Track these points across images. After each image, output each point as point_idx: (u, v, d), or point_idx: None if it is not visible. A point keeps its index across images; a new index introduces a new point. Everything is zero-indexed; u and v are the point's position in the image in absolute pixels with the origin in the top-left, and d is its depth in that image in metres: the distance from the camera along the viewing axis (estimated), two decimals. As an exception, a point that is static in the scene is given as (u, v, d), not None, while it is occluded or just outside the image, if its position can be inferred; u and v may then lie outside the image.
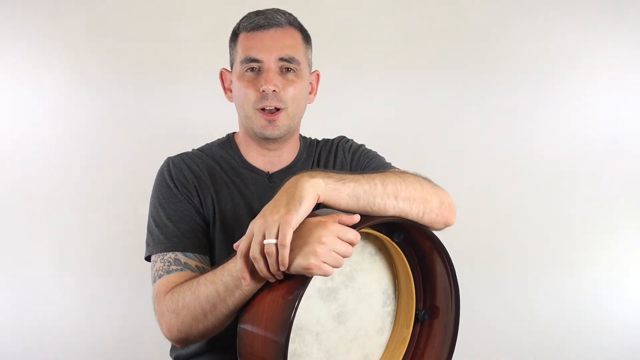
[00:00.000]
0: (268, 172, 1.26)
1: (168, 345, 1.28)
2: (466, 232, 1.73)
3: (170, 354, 1.28)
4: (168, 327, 1.03)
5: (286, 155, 1.28)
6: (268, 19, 1.19)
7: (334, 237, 0.84)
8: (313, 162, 1.31)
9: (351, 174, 0.94)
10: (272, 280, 0.88)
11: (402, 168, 1.08)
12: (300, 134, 1.34)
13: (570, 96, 1.98)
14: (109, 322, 1.92)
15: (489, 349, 1.97)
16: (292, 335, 0.83)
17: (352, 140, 1.35)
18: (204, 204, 1.20)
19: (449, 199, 1.01)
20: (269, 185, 1.25)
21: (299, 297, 0.82)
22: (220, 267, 0.97)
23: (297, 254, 0.83)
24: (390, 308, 1.03)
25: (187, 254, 1.13)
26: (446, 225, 1.01)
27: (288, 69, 1.20)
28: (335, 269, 0.84)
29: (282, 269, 0.84)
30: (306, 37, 1.25)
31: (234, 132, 1.33)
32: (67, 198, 1.91)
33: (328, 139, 1.36)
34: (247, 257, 0.87)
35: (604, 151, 1.97)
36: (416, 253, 1.00)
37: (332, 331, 0.94)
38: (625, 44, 1.97)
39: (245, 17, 1.23)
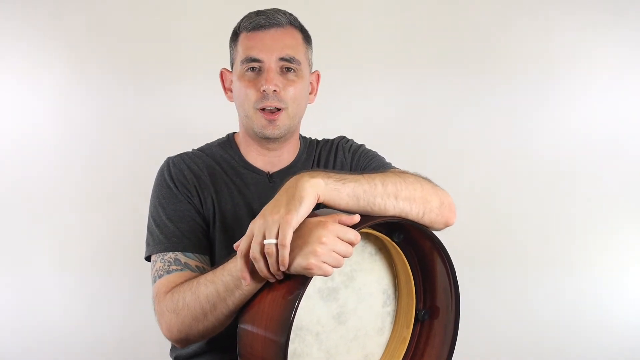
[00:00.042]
0: (268, 172, 1.26)
1: (168, 345, 1.28)
2: (466, 232, 1.73)
3: (170, 354, 1.28)
4: (168, 327, 1.03)
5: (286, 155, 1.28)
6: (269, 18, 1.19)
7: (334, 237, 0.84)
8: (313, 162, 1.31)
9: (351, 174, 0.94)
10: (272, 280, 0.88)
11: (402, 168, 1.08)
12: (300, 134, 1.34)
13: (570, 96, 1.98)
14: (109, 322, 1.92)
15: (489, 349, 1.97)
16: (292, 335, 0.83)
17: (352, 140, 1.35)
18: (204, 204, 1.20)
19: (449, 199, 1.01)
20: (269, 185, 1.25)
21: (299, 297, 0.82)
22: (220, 267, 0.97)
23: (297, 254, 0.83)
24: (390, 308, 1.03)
25: (187, 254, 1.13)
26: (446, 225, 1.01)
27: (289, 69, 1.20)
28: (335, 269, 0.84)
29: (282, 269, 0.84)
30: (307, 37, 1.26)
31: (234, 132, 1.33)
32: (67, 198, 1.91)
33: (328, 139, 1.36)
34: (247, 257, 0.87)
35: (604, 151, 1.97)
36: (416, 253, 1.00)
37: (332, 331, 0.94)
38: (625, 44, 1.97)
39: (245, 17, 1.23)
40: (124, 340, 1.92)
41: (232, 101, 1.27)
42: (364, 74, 1.97)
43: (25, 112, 1.90)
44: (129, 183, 1.89)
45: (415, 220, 0.95)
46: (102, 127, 1.91)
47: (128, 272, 1.89)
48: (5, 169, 1.89)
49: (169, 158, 1.25)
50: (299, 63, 1.20)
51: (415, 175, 1.00)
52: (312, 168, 1.29)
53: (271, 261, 0.84)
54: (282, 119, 1.20)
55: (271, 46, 1.18)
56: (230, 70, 1.28)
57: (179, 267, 1.10)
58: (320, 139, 1.38)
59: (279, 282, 0.87)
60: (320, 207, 0.91)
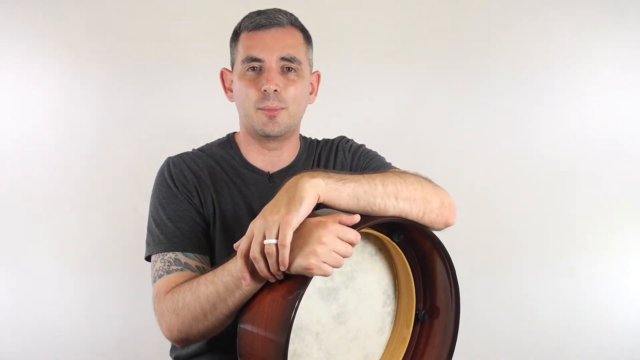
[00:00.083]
0: (268, 172, 1.26)
1: (168, 345, 1.28)
2: (466, 232, 1.73)
3: (170, 354, 1.28)
4: (168, 327, 1.03)
5: (286, 155, 1.28)
6: (270, 18, 1.19)
7: (334, 237, 0.84)
8: (313, 162, 1.31)
9: (351, 174, 0.94)
10: (272, 280, 0.88)
11: (402, 168, 1.08)
12: (300, 134, 1.34)
13: (570, 96, 1.98)
14: (109, 322, 1.92)
15: (489, 349, 1.97)
16: (292, 335, 0.83)
17: (352, 140, 1.35)
18: (204, 204, 1.20)
19: (449, 199, 1.01)
20: (269, 185, 1.25)
21: (299, 297, 0.82)
22: (221, 267, 0.97)
23: (298, 254, 0.83)
24: (390, 308, 1.03)
25: (187, 254, 1.13)
26: (446, 225, 1.01)
27: (289, 69, 1.20)
28: (335, 269, 0.85)
29: (282, 269, 0.84)
30: (307, 38, 1.26)
31: (234, 132, 1.33)
32: (67, 198, 1.91)
33: (328, 139, 1.36)
34: (247, 257, 0.87)
35: (604, 151, 1.97)
36: (416, 253, 1.00)
37: (332, 331, 0.94)
38: (625, 44, 1.97)
39: (246, 16, 1.23)
40: (124, 340, 1.92)
41: (232, 101, 1.27)
42: (364, 74, 1.97)
43: (25, 112, 1.90)
44: (129, 183, 1.89)
45: (416, 220, 0.95)
46: (102, 127, 1.91)
47: (128, 272, 1.89)
48: (5, 169, 1.88)
49: (169, 158, 1.25)
50: (299, 63, 1.20)
51: (416, 175, 1.00)
52: (312, 168, 1.29)
53: (271, 261, 0.84)
54: (283, 117, 1.20)
55: (272, 46, 1.18)
56: (230, 70, 1.28)
57: (179, 267, 1.10)
58: (320, 139, 1.38)
59: (279, 282, 0.88)
60: (320, 207, 0.91)
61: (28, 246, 1.90)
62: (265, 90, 1.17)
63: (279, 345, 0.82)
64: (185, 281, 1.05)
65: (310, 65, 1.27)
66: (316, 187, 0.87)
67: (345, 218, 0.86)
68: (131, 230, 1.76)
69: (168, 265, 1.10)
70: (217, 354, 1.18)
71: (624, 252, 1.98)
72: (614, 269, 1.98)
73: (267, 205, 0.88)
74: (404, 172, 1.00)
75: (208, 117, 1.90)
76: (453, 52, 1.97)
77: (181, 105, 1.93)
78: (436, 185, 1.01)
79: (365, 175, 0.94)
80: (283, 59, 1.19)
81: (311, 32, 1.27)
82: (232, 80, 1.26)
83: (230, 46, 1.26)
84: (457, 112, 1.98)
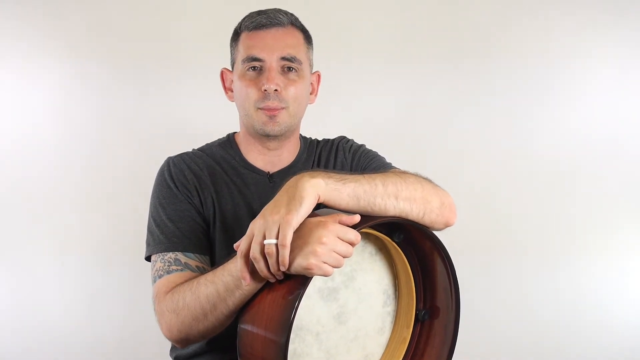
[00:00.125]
0: (268, 172, 1.26)
1: (168, 345, 1.28)
2: (466, 232, 1.73)
3: (170, 354, 1.28)
4: (168, 327, 1.03)
5: (286, 155, 1.28)
6: (270, 18, 1.20)
7: (334, 237, 0.84)
8: (313, 162, 1.31)
9: (352, 174, 0.94)
10: (272, 280, 0.88)
11: (402, 168, 1.08)
12: (300, 134, 1.34)
13: (570, 96, 1.98)
14: (109, 322, 1.92)
15: (489, 349, 1.97)
16: (292, 335, 0.83)
17: (352, 140, 1.35)
18: (204, 204, 1.20)
19: (449, 199, 1.01)
20: (269, 185, 1.25)
21: (299, 297, 0.82)
22: (221, 267, 0.97)
23: (298, 254, 0.83)
24: (390, 308, 1.03)
25: (188, 254, 1.13)
26: (446, 225, 1.01)
27: (290, 69, 1.20)
28: (335, 269, 0.84)
29: (282, 269, 0.84)
30: (307, 38, 1.26)
31: (235, 132, 1.33)
32: (67, 198, 1.91)
33: (328, 139, 1.36)
34: (247, 257, 0.87)
35: (604, 151, 1.97)
36: (416, 253, 1.00)
37: (332, 331, 0.94)
38: (625, 44, 1.97)
39: (247, 16, 1.23)
40: (124, 340, 1.92)
41: (232, 101, 1.27)
42: (364, 74, 1.97)
43: (25, 112, 1.90)
44: (129, 183, 1.89)
45: (416, 220, 0.95)
46: (102, 127, 1.91)
47: (128, 272, 1.89)
48: (5, 169, 1.88)
49: (169, 158, 1.25)
50: (300, 63, 1.20)
51: (416, 175, 1.00)
52: (312, 168, 1.29)
53: (271, 261, 0.84)
54: (283, 116, 1.20)
55: (272, 45, 1.18)
56: (230, 70, 1.28)
57: (179, 267, 1.10)
58: (320, 139, 1.38)
59: (279, 282, 0.87)
60: (320, 207, 0.91)
61: (28, 246, 1.90)
62: (265, 90, 1.17)
63: (279, 345, 0.82)
64: (186, 281, 1.05)
65: (311, 65, 1.27)
66: (316, 187, 0.87)
67: (346, 218, 0.86)
68: (131, 230, 1.76)
69: (168, 265, 1.10)
70: (217, 354, 1.18)
71: (624, 252, 1.98)
72: (614, 269, 1.98)
73: (267, 205, 0.88)
74: (404, 172, 1.00)
75: (208, 117, 1.90)
76: (453, 52, 1.97)
77: (181, 105, 1.93)
78: (436, 186, 1.01)
79: (365, 175, 0.94)
80: (283, 58, 1.19)
81: (311, 32, 1.27)
82: (232, 80, 1.27)
83: (231, 46, 1.26)
84: (457, 112, 1.98)
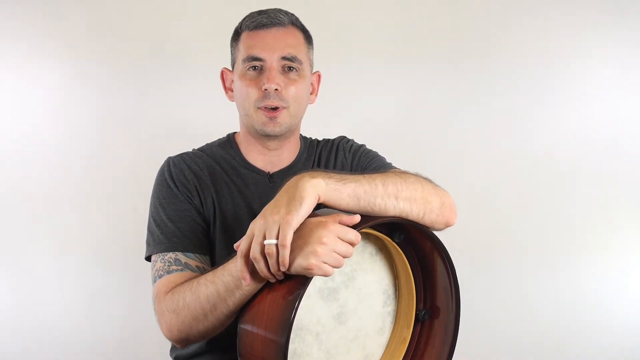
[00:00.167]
0: (268, 172, 1.26)
1: (168, 345, 1.28)
2: (466, 232, 1.73)
3: (170, 354, 1.28)
4: (168, 327, 1.03)
5: (287, 155, 1.28)
6: (271, 18, 1.20)
7: (334, 237, 0.84)
8: (313, 162, 1.31)
9: (352, 174, 0.94)
10: (272, 280, 0.88)
11: (402, 168, 1.08)
12: (300, 134, 1.34)
13: (570, 96, 1.98)
14: (109, 322, 1.92)
15: (489, 349, 1.97)
16: (292, 335, 0.83)
17: (352, 140, 1.35)
18: (205, 204, 1.20)
19: (449, 200, 1.01)
20: (269, 185, 1.25)
21: (299, 297, 0.82)
22: (221, 267, 0.97)
23: (298, 254, 0.83)
24: (390, 308, 1.03)
25: (188, 254, 1.13)
26: (447, 225, 1.01)
27: (290, 68, 1.20)
28: (335, 269, 0.84)
29: (282, 269, 0.84)
30: (308, 38, 1.26)
31: (235, 132, 1.33)
32: (67, 198, 1.91)
33: (329, 139, 1.36)
34: (247, 258, 0.87)
35: (604, 151, 1.97)
36: (416, 253, 1.00)
37: (333, 331, 0.94)
38: (625, 44, 1.97)
39: (247, 16, 1.23)
40: (124, 340, 1.92)
41: (232, 101, 1.27)
42: (364, 73, 1.97)
43: (25, 112, 1.90)
44: (129, 183, 1.89)
45: (416, 220, 0.95)
46: (102, 127, 1.91)
47: (128, 272, 1.89)
48: (5, 169, 1.88)
49: (170, 158, 1.25)
50: (300, 62, 1.20)
51: (416, 175, 1.00)
52: (312, 168, 1.29)
53: (271, 261, 0.84)
54: (283, 117, 1.20)
55: (273, 45, 1.18)
56: (231, 69, 1.28)
57: (179, 267, 1.10)
58: (320, 139, 1.38)
59: (279, 282, 0.87)
60: (320, 208, 0.91)
61: (28, 246, 1.90)
62: (266, 89, 1.17)
63: (279, 345, 0.82)
64: (186, 281, 1.05)
65: (311, 65, 1.27)
66: (316, 187, 0.87)
67: (346, 218, 0.86)
68: (131, 230, 1.76)
69: (168, 265, 1.10)
70: (217, 354, 1.18)
71: (624, 252, 1.99)
72: (614, 269, 1.98)
73: (268, 205, 0.88)
74: (405, 172, 1.00)
75: (208, 117, 1.90)
76: (453, 52, 1.97)
77: (181, 105, 1.93)
78: (436, 186, 1.01)
79: (365, 175, 0.94)
80: (284, 58, 1.19)
81: (311, 32, 1.27)
82: (232, 80, 1.27)
83: (231, 46, 1.26)
84: (457, 112, 1.98)
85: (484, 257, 1.97)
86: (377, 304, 1.01)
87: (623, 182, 1.97)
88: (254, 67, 1.19)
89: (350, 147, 1.32)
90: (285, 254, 0.83)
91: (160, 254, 1.13)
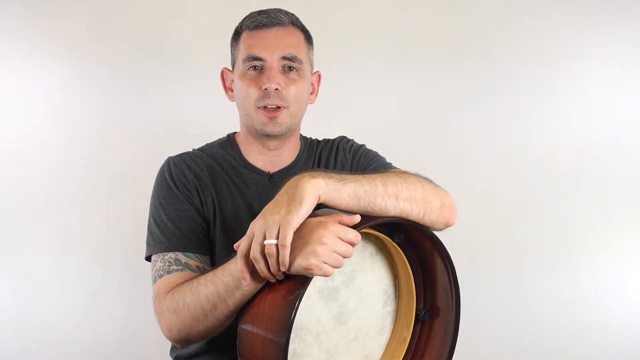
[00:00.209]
0: (269, 172, 1.26)
1: (168, 345, 1.28)
2: (466, 232, 1.73)
3: (170, 354, 1.28)
4: (168, 327, 1.03)
5: (287, 155, 1.28)
6: (271, 17, 1.20)
7: (334, 237, 0.84)
8: (314, 162, 1.31)
9: (352, 174, 0.94)
10: (272, 280, 0.88)
11: (402, 168, 1.08)
12: (300, 134, 1.34)
13: (570, 96, 1.98)
14: (109, 322, 1.92)
15: (489, 349, 1.97)
16: (292, 335, 0.83)
17: (352, 140, 1.35)
18: (205, 204, 1.20)
19: (449, 200, 1.01)
20: (269, 185, 1.25)
21: (299, 297, 0.82)
22: (221, 267, 0.97)
23: (298, 254, 0.83)
24: (390, 308, 1.03)
25: (188, 254, 1.13)
26: (447, 225, 1.01)
27: (290, 68, 1.20)
28: (335, 269, 0.84)
29: (282, 269, 0.84)
30: (308, 38, 1.26)
31: (235, 132, 1.33)
32: (67, 198, 1.91)
33: (329, 139, 1.36)
34: (247, 258, 0.87)
35: (604, 151, 1.97)
36: (417, 253, 1.00)
37: (333, 331, 0.94)
38: (625, 44, 1.97)
39: (248, 16, 1.23)
40: (124, 340, 1.92)
41: (232, 101, 1.27)
42: (364, 73, 1.97)
43: (25, 112, 1.90)
44: (129, 183, 1.89)
45: (416, 220, 0.95)
46: (102, 127, 1.91)
47: (128, 272, 1.89)
48: (5, 169, 1.88)
49: (170, 158, 1.25)
50: (300, 62, 1.20)
51: (416, 175, 1.00)
52: (312, 168, 1.29)
53: (271, 261, 0.84)
54: (283, 117, 1.20)
55: (273, 45, 1.18)
56: (231, 69, 1.28)
57: (179, 267, 1.10)
58: (320, 139, 1.38)
59: (280, 282, 0.87)
60: (320, 208, 0.91)
61: (28, 246, 1.90)
62: (266, 89, 1.17)
63: (279, 345, 0.82)
64: (186, 281, 1.05)
65: (311, 65, 1.27)
66: (317, 187, 0.87)
67: (346, 218, 0.86)
68: (131, 230, 1.76)
69: (168, 265, 1.10)
70: (217, 354, 1.18)
71: (624, 252, 1.99)
72: (614, 269, 1.98)
73: (268, 205, 0.88)
74: (405, 172, 1.00)
75: (208, 117, 1.90)
76: (453, 52, 1.97)
77: (181, 105, 1.93)
78: (437, 186, 1.01)
79: (365, 175, 0.94)
80: (284, 58, 1.19)
81: (311, 32, 1.27)
82: (232, 80, 1.27)
83: (231, 45, 1.26)
84: (457, 112, 1.98)
85: (484, 257, 1.97)
86: (377, 304, 1.01)
87: (623, 182, 1.97)
88: (254, 66, 1.19)
89: (351, 147, 1.32)
90: (286, 254, 0.83)
91: (160, 254, 1.13)
